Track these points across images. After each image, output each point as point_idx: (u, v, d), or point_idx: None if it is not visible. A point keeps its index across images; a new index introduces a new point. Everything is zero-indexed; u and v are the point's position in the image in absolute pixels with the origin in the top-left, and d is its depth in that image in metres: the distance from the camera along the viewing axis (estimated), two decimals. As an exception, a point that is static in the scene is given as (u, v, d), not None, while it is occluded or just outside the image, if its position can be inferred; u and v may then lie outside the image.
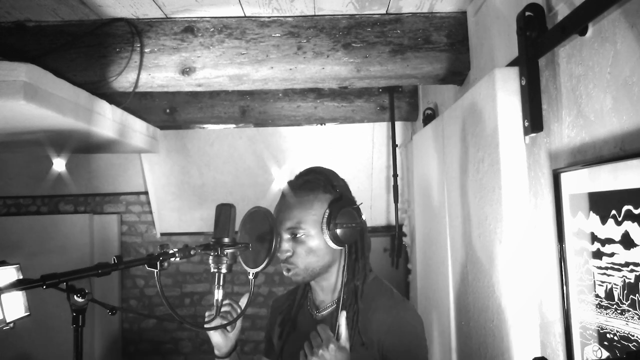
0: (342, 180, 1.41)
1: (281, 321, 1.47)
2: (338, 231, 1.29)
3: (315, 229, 1.30)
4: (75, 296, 0.92)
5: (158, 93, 3.00)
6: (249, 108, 3.05)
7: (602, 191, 1.07)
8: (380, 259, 3.51)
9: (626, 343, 1.00)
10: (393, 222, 3.35)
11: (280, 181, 3.69)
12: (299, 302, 1.46)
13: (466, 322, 1.80)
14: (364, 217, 1.36)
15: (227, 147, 3.71)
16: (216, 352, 1.40)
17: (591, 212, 1.11)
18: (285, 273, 1.34)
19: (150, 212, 4.20)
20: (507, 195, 1.43)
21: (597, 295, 1.10)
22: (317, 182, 1.35)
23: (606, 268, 1.06)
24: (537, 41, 1.32)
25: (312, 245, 1.30)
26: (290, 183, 1.39)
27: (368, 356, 1.28)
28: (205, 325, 1.27)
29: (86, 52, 1.98)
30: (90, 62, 1.98)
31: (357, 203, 1.37)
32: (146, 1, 1.83)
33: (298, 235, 1.30)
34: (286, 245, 1.31)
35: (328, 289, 1.39)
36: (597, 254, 1.09)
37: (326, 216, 1.30)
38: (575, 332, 1.19)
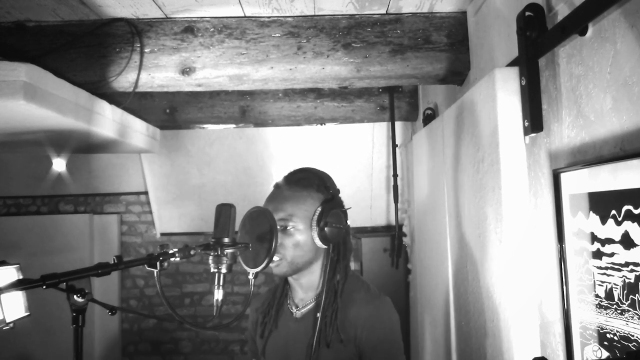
0: (335, 184, 1.44)
1: (262, 320, 1.49)
2: (327, 229, 1.33)
3: (305, 224, 1.34)
4: (75, 296, 0.92)
5: (158, 93, 3.00)
6: (249, 108, 3.05)
7: (602, 191, 1.07)
8: (380, 259, 3.51)
9: (626, 343, 1.00)
10: (393, 222, 3.35)
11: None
12: (279, 301, 1.48)
13: (466, 322, 1.80)
14: (352, 221, 1.42)
15: (227, 147, 3.71)
16: None
17: (591, 212, 1.11)
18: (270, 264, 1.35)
19: (150, 212, 4.20)
20: (507, 195, 1.43)
21: (597, 295, 1.10)
22: (311, 180, 1.40)
23: (606, 268, 1.06)
24: (537, 41, 1.32)
25: (299, 239, 1.34)
26: (285, 178, 1.44)
27: (346, 352, 1.30)
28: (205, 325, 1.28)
29: (86, 52, 1.98)
30: (90, 62, 1.98)
31: (346, 207, 1.42)
32: (146, 1, 1.83)
33: (288, 228, 1.34)
34: None
35: (308, 287, 1.41)
36: (597, 254, 1.09)
37: (317, 213, 1.34)
38: (575, 332, 1.19)
